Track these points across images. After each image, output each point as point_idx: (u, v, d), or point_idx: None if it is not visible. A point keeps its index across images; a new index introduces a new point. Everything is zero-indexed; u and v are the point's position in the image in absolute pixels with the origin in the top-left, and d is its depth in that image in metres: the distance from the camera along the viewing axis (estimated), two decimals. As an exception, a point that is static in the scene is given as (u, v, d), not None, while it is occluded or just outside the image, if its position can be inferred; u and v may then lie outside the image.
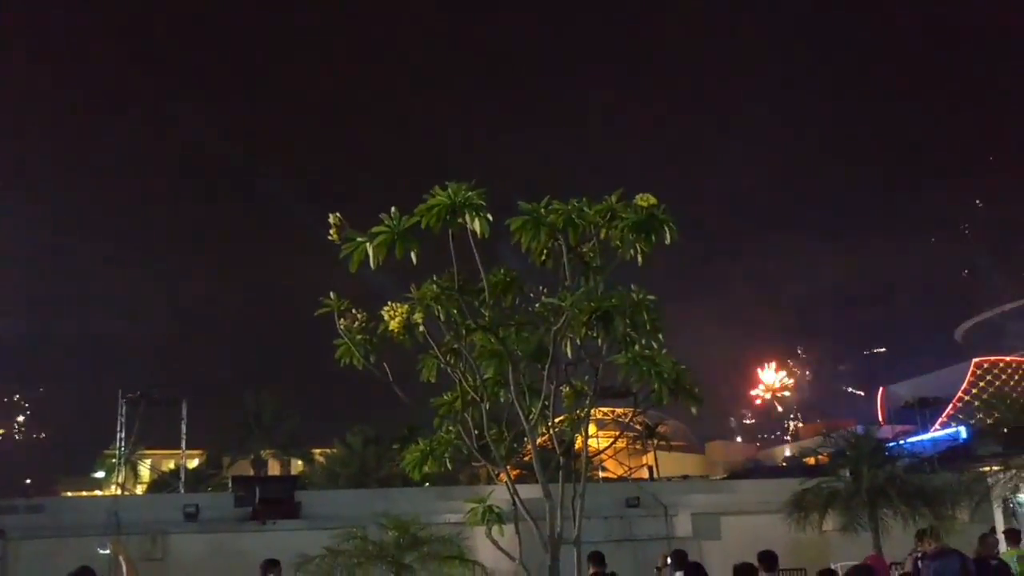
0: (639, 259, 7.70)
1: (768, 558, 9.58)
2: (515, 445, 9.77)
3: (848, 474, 21.29)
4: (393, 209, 7.19)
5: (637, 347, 7.74)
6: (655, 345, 7.86)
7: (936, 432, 54.41)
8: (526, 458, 19.06)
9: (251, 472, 35.55)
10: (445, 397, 8.74)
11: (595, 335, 8.03)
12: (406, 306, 7.95)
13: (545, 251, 7.88)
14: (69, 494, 36.91)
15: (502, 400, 8.58)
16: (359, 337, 8.19)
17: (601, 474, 37.25)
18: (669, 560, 13.85)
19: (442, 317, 8.09)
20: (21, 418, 37.43)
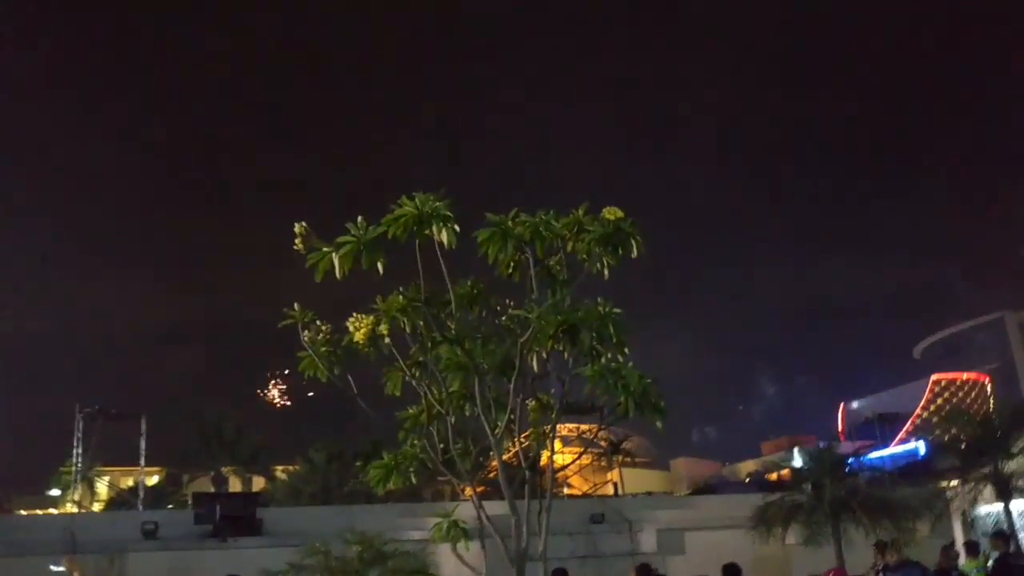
0: (606, 272, 7.71)
1: (732, 571, 9.60)
2: (481, 460, 9.71)
3: (810, 488, 21.47)
4: (360, 218, 7.13)
5: (604, 360, 7.73)
6: (621, 358, 7.86)
7: (895, 448, 55.12)
8: (491, 474, 18.98)
9: (212, 489, 34.98)
10: (410, 411, 8.65)
11: (562, 348, 8.00)
12: (371, 318, 7.89)
13: (512, 263, 7.86)
14: (23, 512, 36.02)
15: (468, 414, 8.51)
16: (323, 349, 8.10)
17: (566, 490, 37.18)
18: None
19: (408, 329, 8.02)
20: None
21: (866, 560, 18.27)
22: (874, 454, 48.04)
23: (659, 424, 8.07)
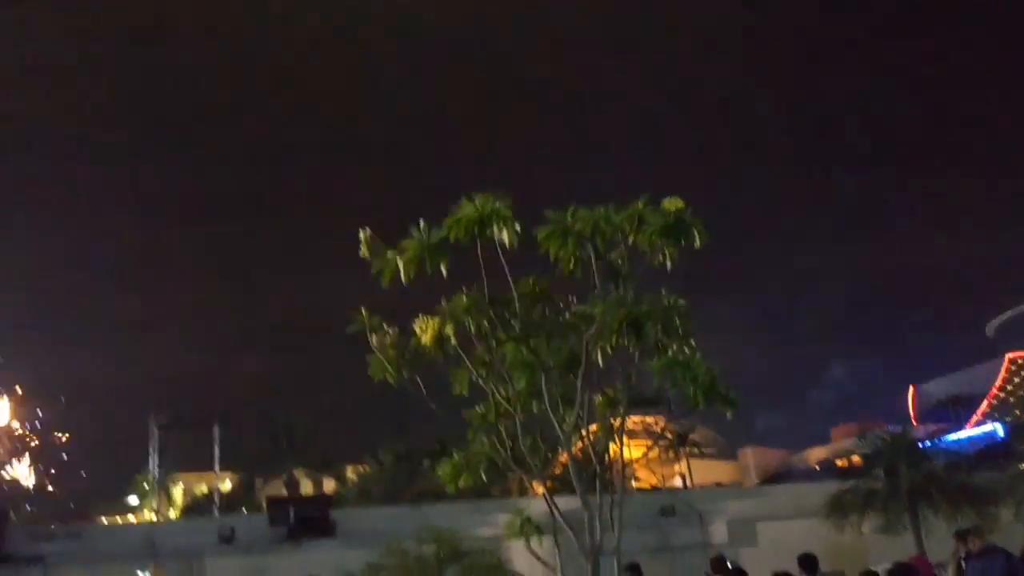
0: (668, 263, 7.66)
1: (808, 561, 9.42)
2: (549, 456, 9.74)
3: (884, 475, 21.02)
4: (422, 222, 7.22)
5: (670, 353, 7.69)
6: (687, 350, 7.81)
7: (971, 430, 53.65)
8: (557, 470, 18.94)
9: (284, 492, 35.62)
10: (478, 409, 8.72)
11: (627, 342, 7.98)
12: (437, 320, 7.97)
13: (573, 259, 7.86)
14: (104, 520, 37.10)
15: (535, 411, 8.54)
16: (391, 352, 8.22)
17: (634, 484, 37.01)
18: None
19: (473, 330, 8.08)
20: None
21: (946, 548, 17.82)
22: (951, 437, 46.85)
23: (729, 414, 8.01)
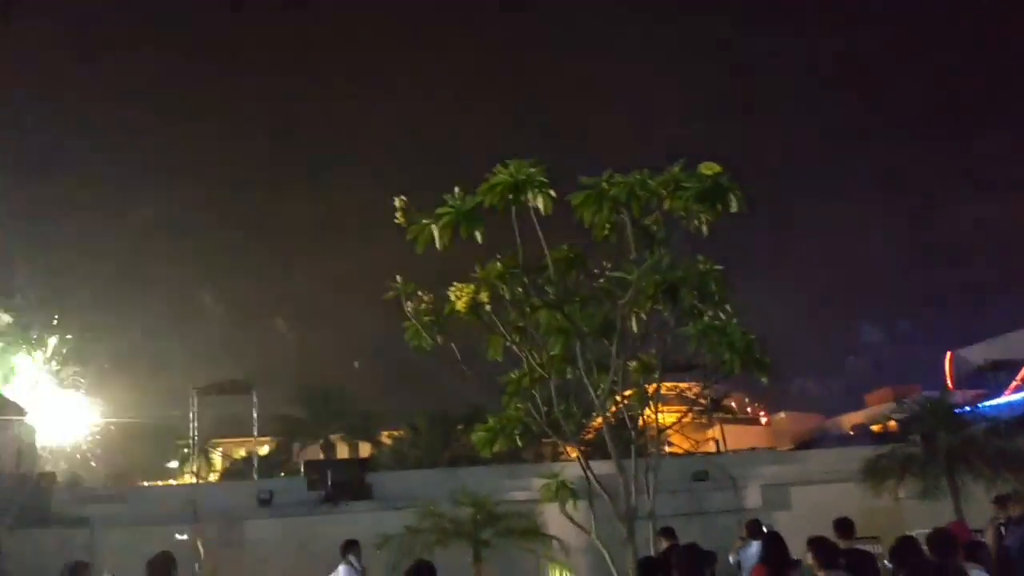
0: (704, 229, 7.62)
1: (844, 525, 9.40)
2: (584, 421, 9.79)
3: (921, 440, 20.82)
4: (456, 189, 7.22)
5: (706, 318, 7.68)
6: (723, 316, 7.79)
7: (1010, 396, 53.02)
8: (589, 435, 18.99)
9: (321, 456, 36.14)
10: (513, 375, 8.78)
11: (662, 308, 7.97)
12: (472, 286, 8.01)
13: (608, 225, 7.83)
14: (147, 483, 37.97)
15: (569, 376, 8.60)
16: (426, 319, 8.28)
17: (667, 449, 37.11)
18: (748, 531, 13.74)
19: (507, 296, 8.12)
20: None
21: (984, 513, 17.69)
22: (990, 402, 46.29)
23: (764, 379, 8.00)
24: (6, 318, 38.39)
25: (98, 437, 41.80)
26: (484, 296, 7.96)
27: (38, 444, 32.48)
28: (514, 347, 8.48)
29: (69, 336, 40.83)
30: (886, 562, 9.20)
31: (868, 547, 11.03)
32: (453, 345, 8.38)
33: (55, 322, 40.32)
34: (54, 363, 39.99)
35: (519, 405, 8.69)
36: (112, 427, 41.71)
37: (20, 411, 25.95)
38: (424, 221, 7.33)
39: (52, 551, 16.72)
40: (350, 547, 11.35)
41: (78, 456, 41.11)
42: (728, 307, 7.87)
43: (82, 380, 40.72)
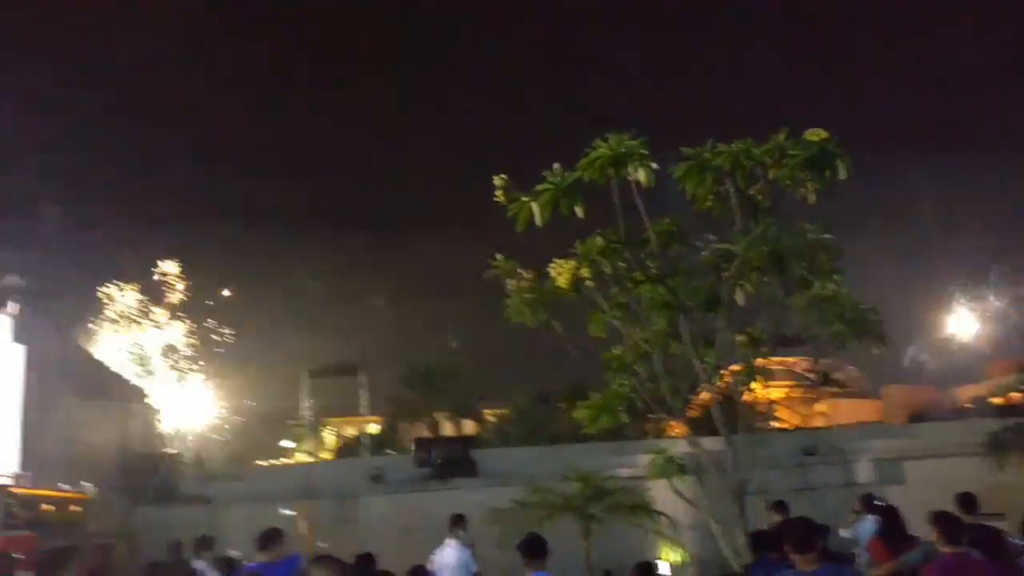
0: (812, 197, 7.40)
1: (967, 500, 9.05)
2: (689, 396, 9.68)
3: (1048, 413, 19.89)
4: (556, 165, 7.20)
5: (815, 289, 7.47)
6: (833, 286, 7.57)
7: None
8: (693, 412, 18.85)
9: (427, 434, 36.87)
10: (616, 351, 8.74)
11: (769, 279, 7.80)
12: (572, 262, 7.99)
13: (711, 196, 7.70)
14: (262, 463, 39.45)
15: (674, 352, 8.49)
16: (528, 296, 8.31)
17: (775, 424, 36.40)
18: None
19: (609, 271, 8.06)
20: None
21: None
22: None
23: (876, 351, 7.75)
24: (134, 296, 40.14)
25: (217, 420, 43.66)
26: (585, 272, 7.93)
27: (163, 427, 34.22)
28: (616, 323, 8.44)
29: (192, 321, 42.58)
30: (1015, 540, 8.83)
31: (993, 524, 10.59)
32: (555, 322, 8.39)
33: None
34: (172, 348, 41.80)
35: (623, 381, 8.63)
36: (229, 410, 43.52)
37: (145, 396, 27.29)
38: (524, 198, 7.33)
39: (179, 527, 17.58)
40: (458, 521, 11.54)
41: (199, 438, 43.07)
42: (837, 277, 7.63)
43: (196, 365, 42.52)
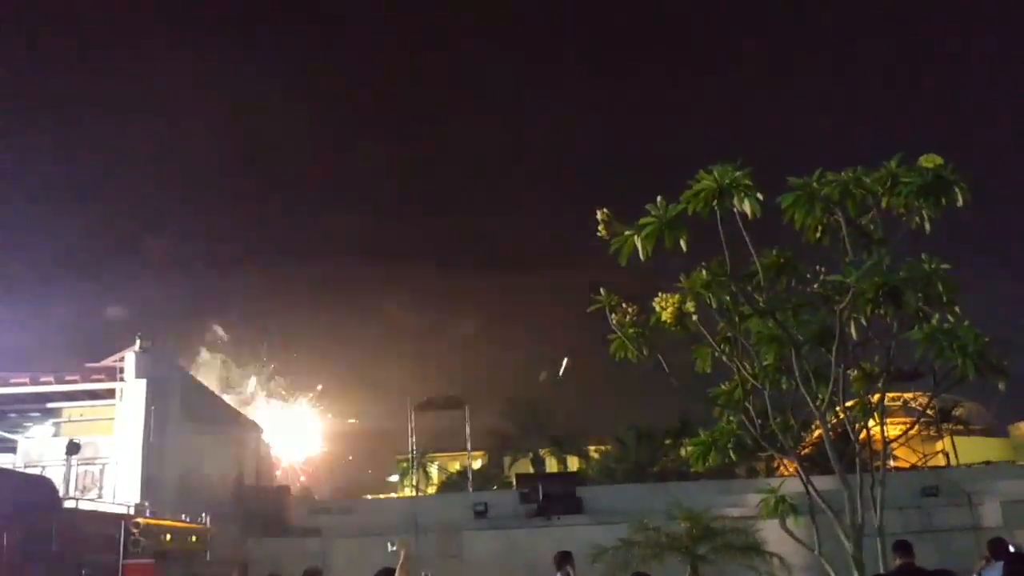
0: (927, 226, 7.13)
1: (1108, 547, 8.47)
2: (802, 434, 9.38)
3: None
4: (659, 198, 7.15)
5: (933, 322, 7.16)
6: (952, 319, 7.23)
7: None
8: (805, 449, 18.25)
9: (531, 470, 36.78)
10: (724, 387, 8.55)
11: (883, 312, 7.51)
12: (677, 296, 7.89)
13: (820, 227, 7.50)
14: (370, 497, 40.06)
15: (784, 387, 8.26)
16: (631, 331, 8.23)
17: (892, 463, 34.90)
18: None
19: (714, 305, 7.92)
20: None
21: None
22: None
23: (1001, 386, 7.35)
24: (222, 334, 41.69)
25: (326, 452, 44.67)
26: (690, 306, 7.82)
27: (275, 459, 35.17)
28: (723, 358, 8.27)
29: (292, 354, 43.91)
30: None
31: None
32: (660, 357, 8.28)
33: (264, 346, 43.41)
34: (274, 381, 43.12)
35: (732, 418, 8.44)
36: (336, 443, 44.52)
37: (257, 428, 28.14)
38: (627, 232, 7.30)
39: (289, 558, 17.98)
40: (565, 559, 11.43)
41: (308, 471, 44.13)
42: (957, 309, 7.30)
43: (307, 397, 43.70)
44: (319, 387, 44.00)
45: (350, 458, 44.60)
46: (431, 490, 41.59)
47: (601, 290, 8.31)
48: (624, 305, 8.31)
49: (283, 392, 43.36)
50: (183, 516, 16.32)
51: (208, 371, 37.27)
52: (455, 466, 42.31)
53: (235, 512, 21.47)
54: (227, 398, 32.13)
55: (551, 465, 39.35)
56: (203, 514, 16.92)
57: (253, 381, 42.28)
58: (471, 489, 32.21)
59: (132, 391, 17.53)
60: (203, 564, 16.28)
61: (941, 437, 41.59)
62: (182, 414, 19.03)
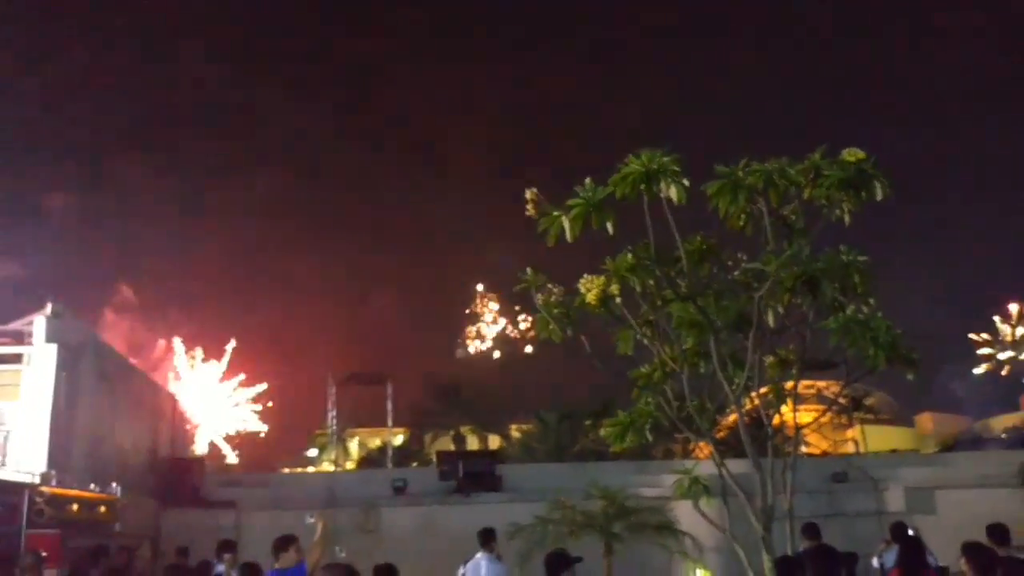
0: (847, 218, 7.30)
1: (999, 532, 8.88)
2: (717, 417, 9.55)
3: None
4: (588, 180, 7.15)
5: (848, 312, 7.35)
6: (866, 309, 7.44)
7: None
8: (719, 434, 18.71)
9: (452, 447, 36.80)
10: (643, 369, 8.65)
11: (800, 301, 7.69)
12: (602, 278, 7.92)
13: (744, 215, 7.61)
14: (287, 471, 39.60)
15: (703, 371, 8.40)
16: (556, 311, 8.25)
17: (804, 449, 35.95)
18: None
19: (638, 288, 7.99)
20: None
21: None
22: None
23: (911, 377, 7.60)
24: (130, 296, 40.54)
25: (243, 423, 43.96)
26: (615, 289, 7.86)
27: (192, 431, 34.45)
28: (645, 341, 8.36)
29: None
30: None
31: (1027, 557, 10.33)
32: (583, 338, 8.33)
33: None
34: (184, 345, 42.11)
35: (650, 400, 8.54)
36: (252, 415, 43.84)
37: (173, 397, 27.51)
38: (555, 213, 7.30)
39: (203, 531, 17.67)
40: (489, 535, 11.38)
41: (227, 444, 43.41)
42: (872, 300, 7.51)
43: (220, 365, 42.83)
44: (232, 346, 42.97)
45: (263, 433, 43.93)
46: (350, 465, 41.34)
47: (528, 270, 8.29)
48: (549, 286, 8.32)
49: (193, 358, 42.42)
50: (92, 486, 15.85)
51: (114, 334, 36.11)
52: (375, 442, 42.11)
53: (148, 483, 20.98)
54: (134, 362, 31.27)
55: (472, 443, 39.43)
56: (113, 484, 16.47)
57: (162, 344, 41.24)
58: (391, 465, 32.11)
59: (41, 356, 16.87)
60: (112, 535, 15.87)
61: (852, 425, 43.02)
62: (94, 381, 18.44)
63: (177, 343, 41.29)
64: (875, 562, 13.62)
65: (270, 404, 43.05)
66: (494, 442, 39.31)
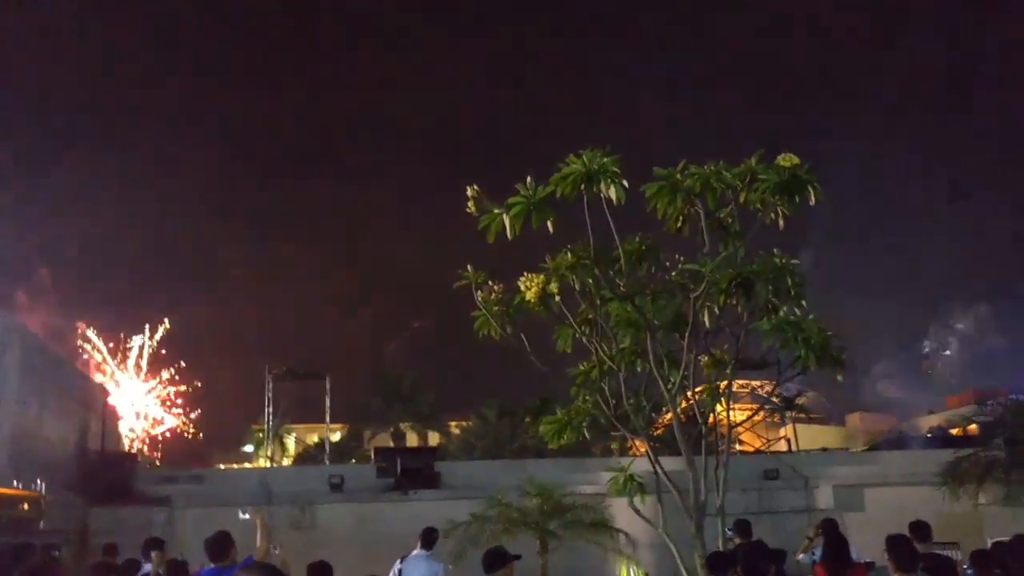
0: (781, 222, 7.46)
1: (921, 528, 9.14)
2: (653, 415, 9.68)
3: (1003, 444, 20.14)
4: (528, 179, 7.19)
5: (781, 313, 7.52)
6: (799, 311, 7.62)
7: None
8: (658, 431, 18.93)
9: (391, 444, 36.59)
10: (581, 367, 8.73)
11: (735, 302, 7.85)
12: (542, 276, 7.98)
13: (681, 217, 7.73)
14: (222, 466, 38.97)
15: (639, 370, 8.51)
16: (496, 309, 8.28)
17: (737, 447, 36.60)
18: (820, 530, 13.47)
19: (577, 287, 8.07)
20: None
21: (1071, 521, 17.00)
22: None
23: (840, 377, 7.82)
24: (47, 282, 39.39)
25: (179, 419, 43.13)
26: (554, 287, 7.92)
27: (123, 427, 33.64)
28: (583, 339, 8.44)
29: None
30: (966, 568, 8.90)
31: (947, 553, 10.68)
32: (523, 336, 8.36)
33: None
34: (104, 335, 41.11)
35: (587, 398, 8.63)
36: (185, 409, 43.05)
37: (104, 391, 26.86)
38: (496, 210, 7.31)
39: (134, 527, 17.28)
40: (431, 535, 11.24)
41: (158, 439, 42.53)
42: (804, 302, 7.70)
43: (147, 355, 41.92)
44: (163, 329, 42.02)
45: (189, 432, 43.16)
46: (287, 462, 40.84)
47: (468, 267, 8.30)
48: (490, 283, 8.34)
49: (117, 349, 41.45)
50: (15, 483, 15.41)
51: (31, 320, 35.09)
52: (313, 438, 41.66)
53: (77, 479, 20.45)
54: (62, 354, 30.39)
55: (412, 440, 39.31)
56: (37, 480, 16.03)
57: (90, 333, 40.20)
58: (328, 462, 31.79)
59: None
60: (37, 533, 15.44)
61: (784, 424, 43.94)
62: (19, 374, 17.92)
63: (91, 334, 40.29)
64: (801, 557, 13.92)
65: (198, 401, 42.22)
66: (434, 439, 39.23)
